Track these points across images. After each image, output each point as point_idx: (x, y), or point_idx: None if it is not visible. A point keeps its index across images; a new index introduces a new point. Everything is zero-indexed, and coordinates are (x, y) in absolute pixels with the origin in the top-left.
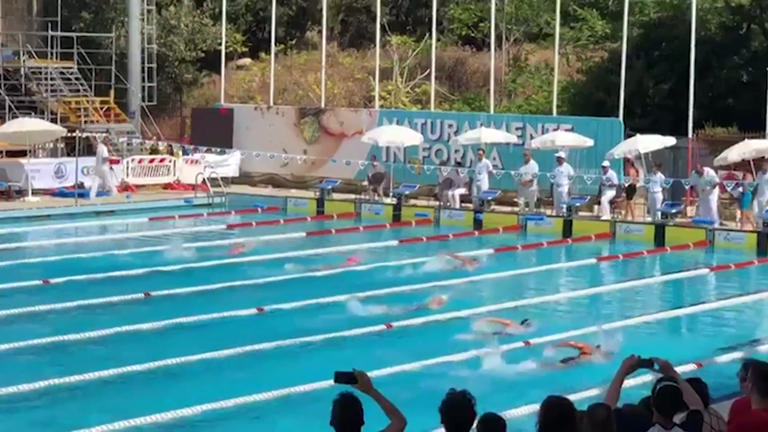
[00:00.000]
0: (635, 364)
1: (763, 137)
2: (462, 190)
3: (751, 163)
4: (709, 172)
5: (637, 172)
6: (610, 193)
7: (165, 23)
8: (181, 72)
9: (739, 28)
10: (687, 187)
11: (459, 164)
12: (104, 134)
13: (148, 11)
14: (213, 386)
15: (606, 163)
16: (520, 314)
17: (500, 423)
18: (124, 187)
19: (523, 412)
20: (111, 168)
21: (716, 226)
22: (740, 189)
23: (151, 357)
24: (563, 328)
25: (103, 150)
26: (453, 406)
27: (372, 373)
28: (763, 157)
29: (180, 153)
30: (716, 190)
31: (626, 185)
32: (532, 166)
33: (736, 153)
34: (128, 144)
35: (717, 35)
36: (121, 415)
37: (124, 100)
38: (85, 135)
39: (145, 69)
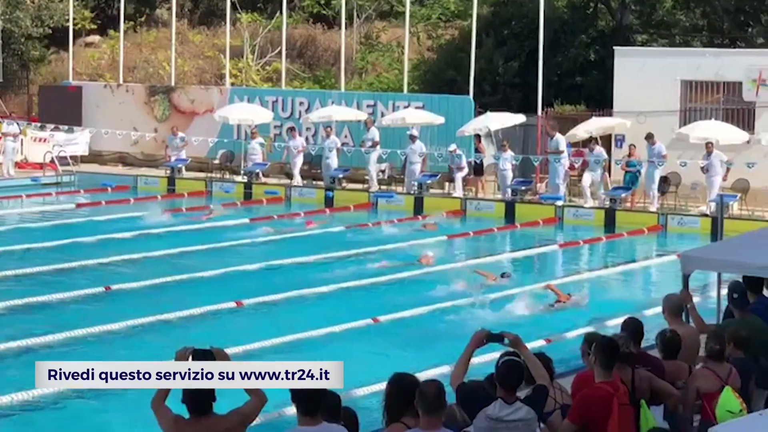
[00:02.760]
0: (485, 338)
1: (610, 115)
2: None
3: (599, 139)
4: (558, 136)
5: (485, 149)
6: (461, 173)
7: None
8: (27, 48)
9: (586, 7)
10: (536, 164)
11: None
12: None
13: None
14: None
15: (452, 147)
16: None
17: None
18: None
19: None
20: None
21: (564, 202)
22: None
23: None
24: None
25: None
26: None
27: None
28: (591, 136)
29: (27, 131)
30: (564, 161)
31: (476, 162)
32: (419, 146)
33: (583, 130)
34: None
35: (565, 14)
36: None
37: None
38: None
39: None
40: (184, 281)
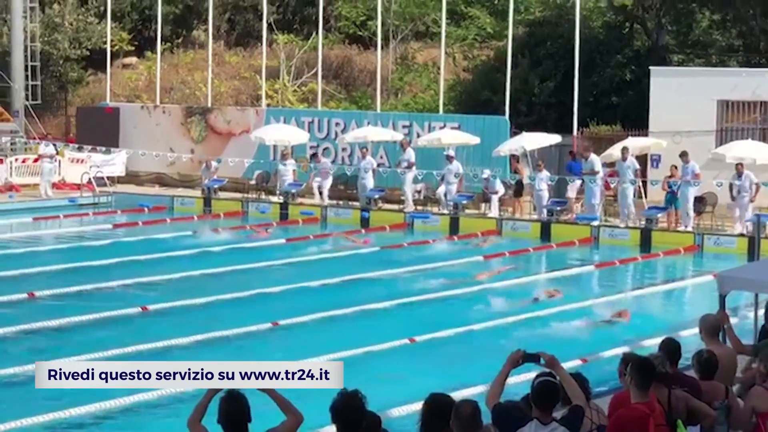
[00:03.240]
0: (521, 359)
1: (646, 135)
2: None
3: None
4: (593, 156)
5: (522, 169)
6: (496, 196)
7: (49, 21)
8: (65, 70)
9: (622, 27)
10: (572, 185)
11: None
12: None
13: (31, 8)
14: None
15: (486, 174)
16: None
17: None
18: (8, 187)
19: None
20: None
21: (600, 222)
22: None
23: (37, 357)
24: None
25: None
26: (345, 406)
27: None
28: (624, 147)
29: (64, 152)
30: (599, 182)
31: (513, 183)
32: (455, 166)
33: (619, 151)
34: (12, 143)
35: (601, 34)
36: None
37: (8, 98)
38: None
39: (29, 67)
40: (218, 302)
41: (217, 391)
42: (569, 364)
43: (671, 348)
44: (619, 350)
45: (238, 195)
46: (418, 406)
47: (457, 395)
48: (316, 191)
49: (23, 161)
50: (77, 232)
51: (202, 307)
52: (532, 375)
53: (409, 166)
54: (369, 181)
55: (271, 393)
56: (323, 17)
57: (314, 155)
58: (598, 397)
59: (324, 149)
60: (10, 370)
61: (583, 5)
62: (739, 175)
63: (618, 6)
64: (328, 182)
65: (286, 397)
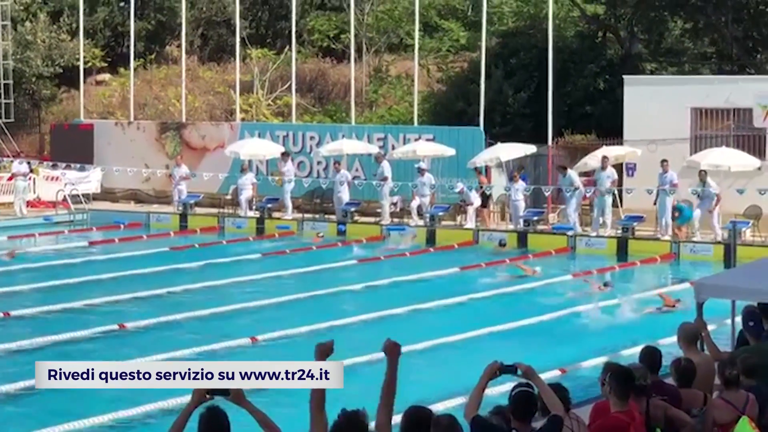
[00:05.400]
0: (497, 370)
1: (621, 144)
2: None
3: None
4: (570, 172)
5: (488, 180)
6: (472, 207)
7: (21, 39)
8: (39, 88)
9: (594, 36)
10: (548, 194)
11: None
12: None
13: (3, 26)
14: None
15: (459, 188)
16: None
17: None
18: None
19: None
20: None
21: (577, 232)
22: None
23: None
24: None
25: None
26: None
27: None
28: (604, 156)
29: (39, 170)
30: (577, 194)
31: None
32: (428, 179)
33: (595, 159)
34: None
35: (574, 44)
36: None
37: None
38: None
39: (1, 85)
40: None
41: (197, 405)
42: (547, 375)
43: (651, 356)
44: (599, 360)
45: (214, 210)
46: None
47: (436, 408)
48: (288, 202)
49: None
50: (53, 250)
51: (182, 322)
52: (508, 386)
53: (383, 180)
54: (344, 194)
55: (249, 408)
56: (296, 31)
57: (284, 153)
58: (579, 406)
59: (299, 163)
60: None
61: (555, 15)
62: (703, 183)
63: (590, 15)
64: (289, 188)
65: (265, 413)
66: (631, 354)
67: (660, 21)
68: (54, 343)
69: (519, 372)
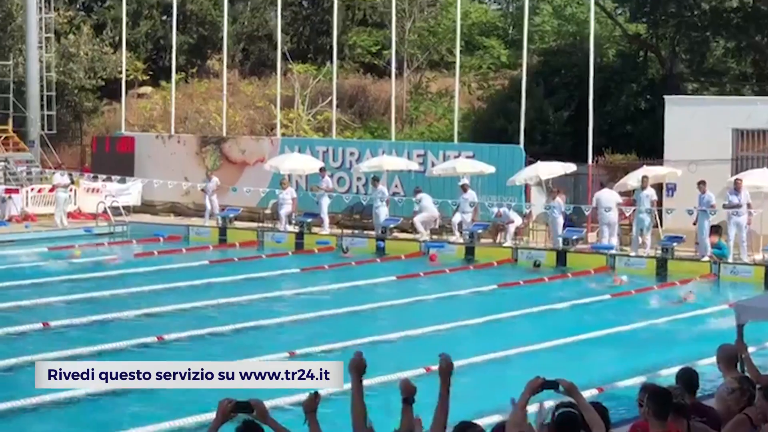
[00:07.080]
0: (539, 386)
1: (661, 164)
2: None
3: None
4: (608, 192)
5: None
6: (512, 225)
7: (64, 51)
8: (81, 100)
9: (636, 56)
10: (587, 213)
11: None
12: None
13: (47, 39)
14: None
15: (495, 211)
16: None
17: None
18: (24, 217)
19: None
20: (9, 197)
21: (616, 251)
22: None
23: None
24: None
25: None
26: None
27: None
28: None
29: (79, 182)
30: (614, 213)
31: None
32: (470, 195)
33: (634, 179)
34: (27, 173)
35: (615, 63)
36: None
37: (24, 128)
38: None
39: (44, 97)
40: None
41: (222, 423)
42: (586, 393)
43: (688, 378)
44: (637, 380)
45: (254, 224)
46: None
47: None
48: (325, 217)
49: (39, 191)
50: (93, 261)
51: (219, 335)
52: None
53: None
54: (382, 210)
55: (274, 426)
56: (337, 46)
57: (322, 169)
58: (617, 426)
59: (339, 179)
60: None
61: (597, 34)
62: (737, 190)
63: (632, 35)
64: (326, 201)
65: (289, 430)
66: (669, 374)
67: (702, 41)
68: (91, 354)
69: (561, 388)
